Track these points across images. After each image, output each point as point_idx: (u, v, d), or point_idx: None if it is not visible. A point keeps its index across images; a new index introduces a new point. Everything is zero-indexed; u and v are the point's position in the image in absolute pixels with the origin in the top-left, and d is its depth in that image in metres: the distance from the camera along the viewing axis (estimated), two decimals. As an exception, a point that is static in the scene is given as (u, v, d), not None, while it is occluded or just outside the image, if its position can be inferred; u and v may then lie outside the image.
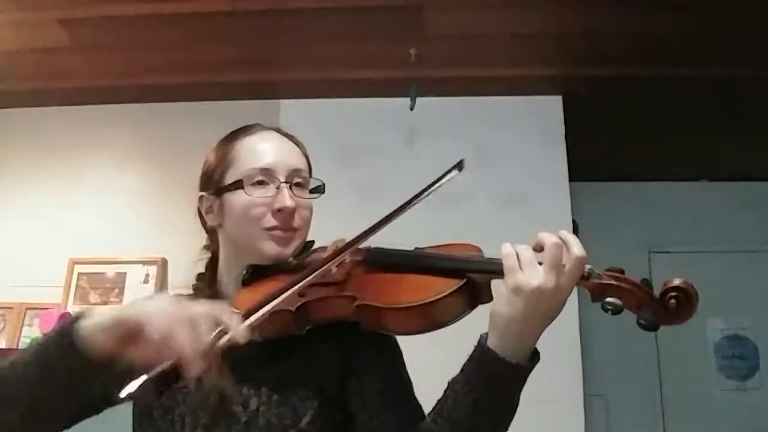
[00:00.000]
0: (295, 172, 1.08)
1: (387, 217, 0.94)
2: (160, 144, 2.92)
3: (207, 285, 1.11)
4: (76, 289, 2.72)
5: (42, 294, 2.70)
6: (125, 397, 0.72)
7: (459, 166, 0.97)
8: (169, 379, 0.74)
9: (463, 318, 0.89)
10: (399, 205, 0.95)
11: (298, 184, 1.08)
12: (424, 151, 2.80)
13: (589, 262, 0.84)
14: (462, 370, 0.89)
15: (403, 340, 1.02)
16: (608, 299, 0.83)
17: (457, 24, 2.46)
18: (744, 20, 2.34)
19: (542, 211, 2.72)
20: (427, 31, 2.49)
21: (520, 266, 0.84)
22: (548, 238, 0.84)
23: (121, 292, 2.71)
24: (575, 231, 0.85)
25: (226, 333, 0.76)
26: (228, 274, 1.09)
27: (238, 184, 1.05)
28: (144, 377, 0.72)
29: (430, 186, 0.96)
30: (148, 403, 0.98)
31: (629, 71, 2.69)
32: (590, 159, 3.09)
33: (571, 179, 2.83)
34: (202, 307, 0.78)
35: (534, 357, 0.87)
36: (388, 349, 1.04)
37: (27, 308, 2.70)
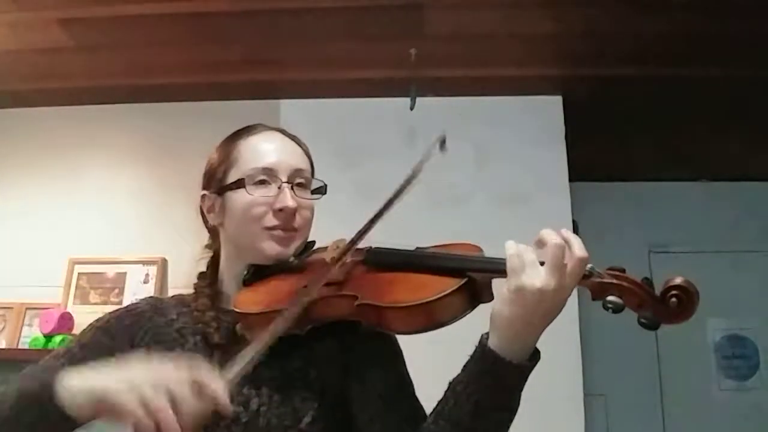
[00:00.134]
0: (297, 172, 1.08)
1: (382, 209, 0.95)
2: (160, 144, 2.92)
3: (208, 284, 1.11)
4: (76, 289, 2.72)
5: (42, 294, 2.70)
6: None
7: (441, 143, 0.98)
8: None
9: (464, 317, 0.89)
10: (394, 191, 0.96)
11: (299, 185, 1.08)
12: (424, 151, 2.80)
13: (589, 262, 0.84)
14: (463, 371, 0.88)
15: (403, 340, 1.02)
16: (609, 298, 0.83)
17: (457, 24, 2.46)
18: (744, 20, 2.34)
19: (542, 211, 2.72)
20: (427, 31, 2.49)
21: (523, 267, 0.84)
22: (551, 238, 0.84)
23: (121, 292, 2.71)
24: (575, 231, 0.85)
25: (208, 398, 0.75)
26: (229, 274, 1.10)
27: (239, 183, 1.05)
28: None
29: (417, 167, 0.96)
30: None
31: (629, 71, 2.68)
32: (590, 159, 3.08)
33: (571, 179, 2.82)
34: (183, 373, 0.76)
35: (534, 356, 0.87)
36: (388, 349, 1.04)
37: (27, 308, 2.70)
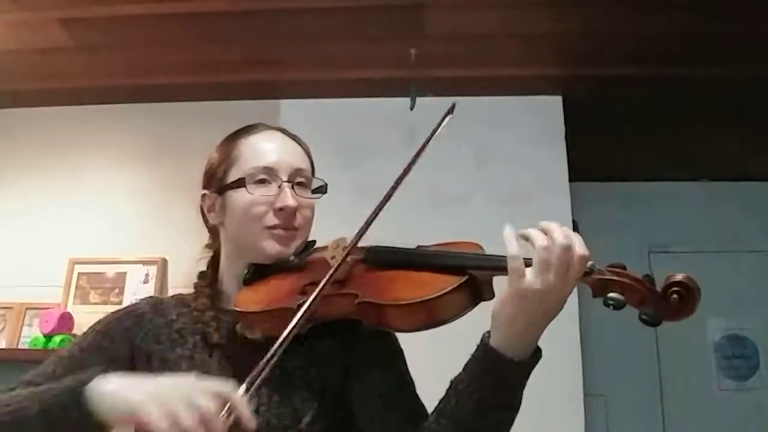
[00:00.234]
0: (298, 171, 1.08)
1: (397, 181, 0.98)
2: (160, 144, 2.92)
3: (208, 284, 1.11)
4: (76, 289, 2.72)
5: (42, 294, 2.70)
6: None
7: (451, 110, 0.98)
8: None
9: (465, 315, 0.89)
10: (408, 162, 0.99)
11: (300, 184, 1.08)
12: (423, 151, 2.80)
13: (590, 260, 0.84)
14: (464, 369, 0.88)
15: (404, 338, 1.02)
16: (610, 295, 0.83)
17: (457, 24, 2.46)
18: (744, 20, 2.34)
19: (542, 211, 2.70)
20: (427, 31, 2.49)
21: (524, 266, 0.84)
22: (556, 237, 0.83)
23: (121, 292, 2.70)
24: (575, 231, 0.85)
25: (234, 415, 0.76)
26: (229, 273, 1.10)
27: (240, 183, 1.05)
28: None
29: (430, 136, 0.97)
30: None
31: (629, 71, 2.68)
32: (590, 159, 3.08)
33: (571, 179, 2.82)
34: (211, 390, 0.77)
35: (536, 354, 0.87)
36: (389, 348, 1.04)
37: (27, 308, 2.70)
